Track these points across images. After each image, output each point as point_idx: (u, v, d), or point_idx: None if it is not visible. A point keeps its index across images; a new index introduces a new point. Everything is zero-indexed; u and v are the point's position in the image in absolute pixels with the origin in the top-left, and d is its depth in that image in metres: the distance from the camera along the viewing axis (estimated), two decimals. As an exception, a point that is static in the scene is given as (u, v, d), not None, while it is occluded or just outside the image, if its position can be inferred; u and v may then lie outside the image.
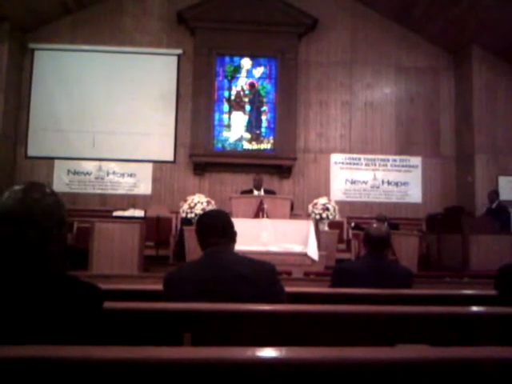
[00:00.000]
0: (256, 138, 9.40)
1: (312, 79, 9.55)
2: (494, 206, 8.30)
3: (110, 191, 9.11)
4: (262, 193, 7.20)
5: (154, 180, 9.20)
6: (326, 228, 6.87)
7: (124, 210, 7.15)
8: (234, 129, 9.39)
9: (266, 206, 6.18)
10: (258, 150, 9.35)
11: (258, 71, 9.53)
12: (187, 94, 9.24)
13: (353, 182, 9.48)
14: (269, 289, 2.00)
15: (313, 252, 5.82)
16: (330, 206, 6.84)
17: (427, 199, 9.53)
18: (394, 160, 9.58)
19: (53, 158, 9.04)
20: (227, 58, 9.48)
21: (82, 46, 9.16)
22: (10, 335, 1.14)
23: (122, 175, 9.16)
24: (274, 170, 9.26)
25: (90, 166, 9.12)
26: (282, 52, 9.29)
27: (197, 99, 9.12)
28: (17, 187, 1.35)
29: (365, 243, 2.91)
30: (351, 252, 7.86)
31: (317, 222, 6.67)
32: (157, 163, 9.22)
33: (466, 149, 9.34)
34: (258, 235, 5.78)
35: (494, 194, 8.44)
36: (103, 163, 9.13)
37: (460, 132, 9.56)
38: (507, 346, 1.17)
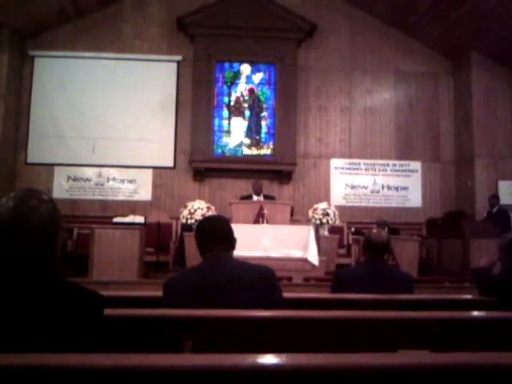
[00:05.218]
0: (256, 143, 9.41)
1: (311, 85, 9.57)
2: (494, 210, 8.30)
3: (110, 197, 9.11)
4: (262, 198, 7.20)
5: (154, 186, 9.19)
6: (326, 233, 6.86)
7: (124, 216, 7.14)
8: (234, 134, 9.40)
9: (266, 212, 6.18)
10: (258, 156, 9.36)
11: (258, 77, 9.56)
12: (187, 100, 9.25)
13: (353, 187, 9.48)
14: (268, 294, 2.00)
15: (313, 257, 5.83)
16: (330, 211, 6.82)
17: (427, 204, 9.52)
18: (394, 165, 9.58)
19: (53, 165, 9.04)
20: (227, 64, 9.50)
21: (82, 53, 9.18)
22: (13, 343, 1.14)
23: (122, 181, 9.16)
24: (274, 176, 9.26)
25: (89, 172, 9.12)
26: (281, 58, 9.31)
27: (196, 105, 9.13)
28: (13, 194, 1.33)
29: (365, 249, 2.91)
30: (351, 257, 7.86)
31: (317, 227, 6.66)
32: (157, 169, 9.22)
33: (465, 153, 9.35)
34: (259, 241, 5.78)
35: (495, 198, 8.44)
36: (103, 169, 9.13)
37: (459, 136, 9.57)
38: (508, 352, 1.16)
